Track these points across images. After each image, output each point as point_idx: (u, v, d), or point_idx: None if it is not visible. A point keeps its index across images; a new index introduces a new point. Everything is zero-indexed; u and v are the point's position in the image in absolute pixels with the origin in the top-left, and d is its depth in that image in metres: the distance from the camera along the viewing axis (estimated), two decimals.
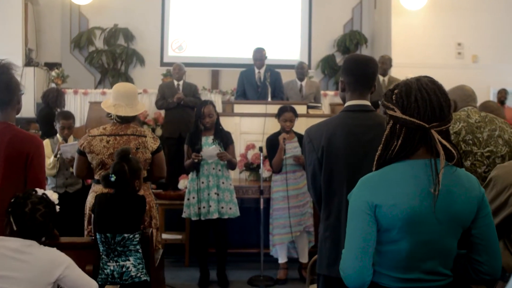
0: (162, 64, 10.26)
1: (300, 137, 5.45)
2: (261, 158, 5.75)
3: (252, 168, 6.43)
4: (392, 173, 1.88)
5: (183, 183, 6.17)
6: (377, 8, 10.98)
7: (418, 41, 9.85)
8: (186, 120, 7.38)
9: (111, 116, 3.95)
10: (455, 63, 9.94)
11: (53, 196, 2.73)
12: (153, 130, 8.40)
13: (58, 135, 5.42)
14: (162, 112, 8.57)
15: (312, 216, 5.54)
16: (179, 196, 6.05)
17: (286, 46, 10.41)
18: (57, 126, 5.43)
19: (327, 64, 11.06)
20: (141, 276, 3.32)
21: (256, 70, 7.59)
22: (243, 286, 5.45)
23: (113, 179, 3.37)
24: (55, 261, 2.55)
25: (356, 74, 2.67)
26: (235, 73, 8.07)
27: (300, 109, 6.52)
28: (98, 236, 3.36)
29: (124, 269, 3.30)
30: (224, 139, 5.35)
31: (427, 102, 1.85)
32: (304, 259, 5.60)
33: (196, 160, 5.16)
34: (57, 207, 2.74)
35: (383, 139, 1.93)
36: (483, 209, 1.92)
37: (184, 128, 7.37)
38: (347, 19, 11.40)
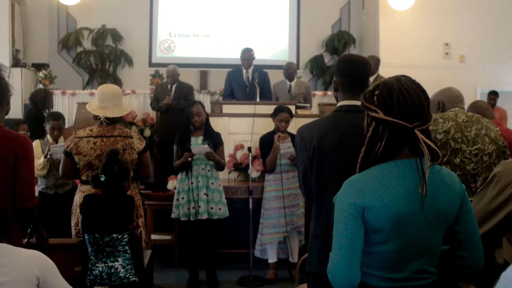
0: (151, 64, 10.23)
1: (293, 137, 5.45)
2: (250, 158, 5.75)
3: (241, 168, 6.44)
4: (379, 174, 1.88)
5: (172, 183, 6.16)
6: (365, 8, 11.02)
7: (405, 41, 9.89)
8: (178, 123, 7.37)
9: (98, 118, 3.96)
10: (442, 63, 10.00)
11: None
12: (142, 131, 8.38)
13: (48, 136, 5.39)
14: (151, 112, 8.57)
15: (303, 216, 5.55)
16: (168, 197, 6.04)
17: (275, 47, 10.42)
18: (47, 127, 5.40)
19: (316, 65, 11.09)
20: (130, 277, 3.32)
21: (244, 70, 7.59)
22: (232, 286, 5.45)
23: (102, 179, 3.37)
24: (34, 264, 2.43)
25: (348, 75, 2.68)
26: (224, 73, 8.07)
27: None
28: (86, 237, 3.35)
29: (112, 270, 3.29)
30: (214, 140, 5.35)
31: (409, 102, 1.86)
32: (294, 258, 5.61)
33: (189, 159, 5.16)
34: None
35: (365, 141, 1.93)
36: (465, 205, 1.95)
37: (175, 131, 7.37)
38: (335, 19, 11.43)
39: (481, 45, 9.96)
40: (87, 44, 10.84)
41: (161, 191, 6.34)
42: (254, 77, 7.28)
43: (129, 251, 3.36)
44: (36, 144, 5.40)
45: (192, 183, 5.23)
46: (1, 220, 2.43)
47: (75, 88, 9.62)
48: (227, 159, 6.39)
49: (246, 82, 7.54)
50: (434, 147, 1.85)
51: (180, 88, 7.78)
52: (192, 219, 5.22)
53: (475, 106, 4.36)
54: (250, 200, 5.57)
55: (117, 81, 10.46)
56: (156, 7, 10.29)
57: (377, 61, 7.77)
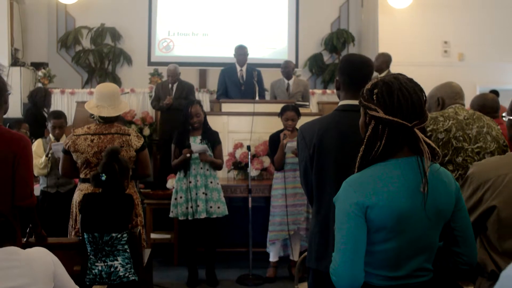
0: (150, 63, 10.22)
1: None
2: (249, 157, 5.75)
3: (240, 167, 6.43)
4: (379, 173, 1.88)
5: (171, 182, 6.16)
6: (364, 7, 11.02)
7: (404, 39, 9.89)
8: (178, 122, 7.38)
9: (94, 117, 3.98)
10: (441, 61, 10.00)
11: None
12: (141, 130, 8.38)
13: (50, 134, 5.40)
14: (150, 111, 8.58)
15: (307, 220, 5.51)
16: (168, 196, 6.03)
17: (274, 45, 10.42)
18: (49, 125, 5.41)
19: (315, 63, 11.08)
20: (129, 276, 3.32)
21: (238, 68, 7.59)
22: (232, 285, 5.45)
23: (103, 178, 3.37)
24: (44, 256, 2.46)
25: (350, 74, 2.70)
26: None
27: None
28: (85, 236, 3.36)
29: (112, 269, 3.29)
30: (212, 139, 5.35)
31: (409, 101, 1.86)
32: (295, 257, 5.61)
33: (188, 155, 5.15)
34: None
35: (365, 140, 1.93)
36: (460, 202, 1.98)
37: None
38: (334, 17, 11.43)
39: (480, 43, 9.95)
40: (86, 43, 10.83)
41: (161, 190, 6.33)
42: (253, 75, 7.28)
43: (128, 250, 3.36)
44: (38, 143, 5.42)
45: (190, 182, 5.23)
46: (7, 227, 2.43)
47: (74, 87, 9.62)
48: (226, 157, 6.39)
49: (240, 80, 7.54)
50: (434, 145, 1.86)
51: (181, 87, 7.76)
52: (190, 218, 5.23)
53: (482, 98, 4.39)
54: (250, 198, 5.57)
55: (116, 80, 10.45)
56: (155, 6, 10.28)
57: (386, 57, 7.72)
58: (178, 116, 7.43)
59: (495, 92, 9.13)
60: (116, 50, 10.75)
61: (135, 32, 10.68)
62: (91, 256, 3.34)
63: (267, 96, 8.09)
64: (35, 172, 5.33)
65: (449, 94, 3.41)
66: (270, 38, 10.41)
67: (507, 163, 2.30)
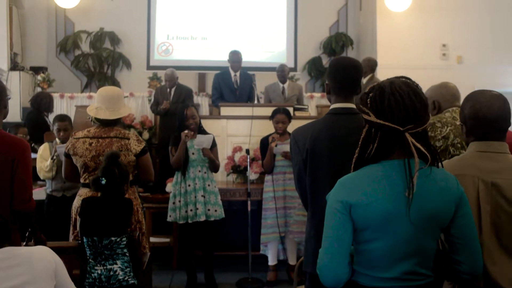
0: (149, 67, 10.23)
1: None
2: (248, 160, 5.76)
3: (239, 170, 6.44)
4: (368, 173, 1.91)
5: (170, 186, 6.16)
6: (363, 10, 11.03)
7: (403, 43, 9.90)
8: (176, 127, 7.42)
9: (90, 119, 3.95)
10: (440, 64, 10.00)
11: None
12: (140, 134, 8.39)
13: (57, 138, 5.41)
14: (149, 115, 8.60)
15: (298, 224, 5.49)
16: (167, 200, 6.02)
17: (272, 49, 10.42)
18: (54, 128, 5.43)
19: (314, 66, 11.10)
20: (129, 279, 3.32)
21: (232, 73, 7.61)
22: None
23: (103, 182, 3.37)
24: (46, 254, 2.44)
25: (340, 78, 2.71)
26: None
27: None
28: (85, 240, 3.36)
29: (111, 273, 3.29)
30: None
31: (401, 105, 1.87)
32: (292, 261, 5.62)
33: (188, 137, 5.14)
34: None
35: (359, 142, 1.96)
36: (462, 208, 1.94)
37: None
38: (333, 21, 11.45)
39: (479, 45, 9.96)
40: (85, 47, 10.85)
41: (160, 194, 6.33)
42: (252, 79, 7.30)
43: (127, 254, 3.36)
44: (45, 146, 5.44)
45: (189, 185, 5.23)
46: (5, 228, 2.42)
47: (74, 91, 9.63)
48: (225, 161, 6.40)
49: (235, 84, 7.56)
50: (424, 150, 1.85)
51: (179, 91, 7.79)
52: (190, 221, 5.22)
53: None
54: (249, 202, 5.58)
55: (115, 84, 10.44)
56: (153, 10, 10.29)
57: (370, 62, 7.74)
58: (173, 121, 7.47)
59: None
60: (115, 54, 10.76)
61: (134, 36, 10.69)
62: (90, 260, 3.34)
63: (262, 100, 8.10)
64: (41, 176, 5.34)
65: (445, 97, 3.33)
66: (268, 42, 10.42)
67: (452, 166, 2.29)
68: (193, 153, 5.26)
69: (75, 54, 10.85)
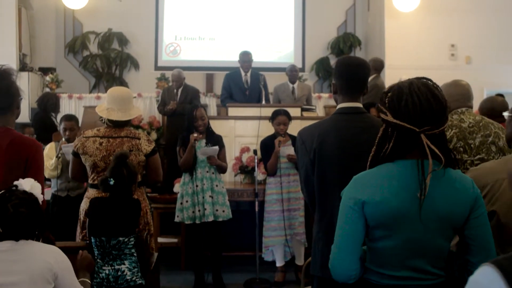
0: (157, 68, 10.24)
1: (294, 139, 5.47)
2: (256, 161, 5.76)
3: (246, 171, 6.44)
4: (382, 172, 1.92)
5: (178, 186, 6.17)
6: (371, 10, 11.01)
7: (411, 43, 9.87)
8: (183, 127, 7.42)
9: (103, 120, 3.94)
10: (448, 65, 9.96)
11: (36, 190, 2.61)
12: (148, 134, 8.39)
13: (63, 137, 5.44)
14: (157, 116, 8.61)
15: (303, 225, 5.53)
16: (175, 200, 6.03)
17: (280, 49, 10.43)
18: (60, 128, 5.46)
19: (321, 67, 11.08)
20: (136, 280, 3.33)
21: (243, 73, 7.61)
22: None
23: (112, 182, 3.38)
24: (52, 258, 2.45)
25: (346, 78, 2.70)
26: None
27: (294, 111, 6.57)
28: (93, 240, 3.37)
29: (119, 273, 3.30)
30: (216, 143, 5.33)
31: (418, 106, 1.86)
32: (299, 261, 5.61)
33: (196, 140, 5.14)
34: (38, 194, 2.61)
35: (376, 141, 1.97)
36: (477, 210, 1.93)
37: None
38: (341, 21, 11.43)
39: (488, 45, 9.91)
40: (93, 48, 10.89)
41: (168, 194, 6.35)
42: (260, 79, 7.29)
43: (135, 254, 3.36)
44: (50, 146, 5.47)
45: (197, 186, 5.23)
46: (24, 223, 2.43)
47: (82, 92, 9.67)
48: (233, 162, 6.40)
49: (245, 84, 7.56)
50: (438, 152, 1.85)
51: (185, 92, 7.81)
52: (197, 222, 5.22)
53: (491, 101, 4.25)
54: (256, 202, 5.58)
55: (123, 85, 10.47)
56: (161, 11, 10.31)
57: (376, 63, 7.70)
58: (182, 121, 7.49)
59: (501, 96, 9.12)
60: (123, 55, 10.79)
61: (142, 37, 10.72)
62: (98, 260, 3.35)
63: (271, 100, 8.10)
64: (46, 174, 5.36)
65: (453, 97, 3.19)
66: (276, 42, 10.42)
67: (504, 168, 2.26)
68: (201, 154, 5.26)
69: (83, 55, 10.89)
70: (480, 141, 3.06)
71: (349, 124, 2.60)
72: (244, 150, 6.48)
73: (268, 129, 6.22)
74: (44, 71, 9.88)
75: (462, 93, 3.25)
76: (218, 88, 10.34)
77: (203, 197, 5.21)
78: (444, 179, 1.89)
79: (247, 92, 7.51)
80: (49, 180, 5.49)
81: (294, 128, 5.65)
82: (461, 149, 3.04)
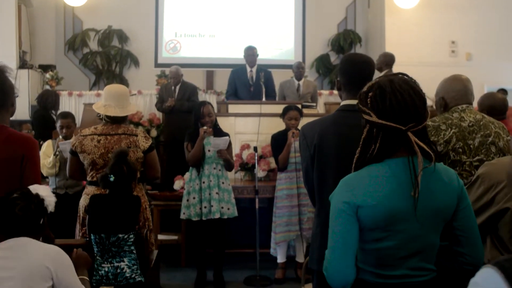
0: (157, 65, 10.24)
1: None
2: (256, 158, 5.75)
3: (247, 168, 6.43)
4: (373, 173, 1.89)
5: (179, 183, 6.17)
6: (371, 7, 11.00)
7: (411, 40, 9.87)
8: (181, 124, 7.43)
9: (100, 116, 3.96)
10: (449, 61, 9.96)
11: (44, 193, 2.64)
12: (148, 132, 8.41)
13: (60, 135, 5.43)
14: (157, 113, 8.60)
15: (310, 221, 5.49)
16: (175, 197, 6.05)
17: (281, 46, 10.42)
18: (57, 125, 5.45)
19: (322, 64, 11.08)
20: (136, 277, 3.33)
21: (248, 69, 7.59)
22: (239, 286, 5.45)
23: (112, 179, 3.38)
24: (49, 256, 2.43)
25: (351, 75, 2.69)
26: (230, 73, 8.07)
27: None
28: (92, 237, 3.37)
29: (118, 270, 3.30)
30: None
31: (402, 104, 1.85)
32: (300, 258, 5.60)
33: (206, 133, 5.12)
34: (51, 202, 2.64)
35: (361, 142, 1.95)
36: (463, 201, 1.94)
37: (179, 132, 7.39)
38: (341, 18, 11.42)
39: (488, 42, 9.91)
40: (93, 45, 10.88)
41: (168, 191, 6.34)
42: (260, 76, 7.27)
43: (135, 251, 3.36)
44: (48, 143, 5.46)
45: (204, 182, 5.22)
46: (27, 220, 2.43)
47: (82, 89, 9.66)
48: (233, 158, 6.39)
49: (250, 81, 7.54)
50: (427, 149, 1.84)
51: (183, 88, 7.81)
52: (204, 218, 5.20)
53: (491, 98, 4.21)
54: (257, 199, 5.57)
55: (123, 82, 10.48)
56: (161, 8, 10.30)
57: (386, 58, 7.68)
58: (180, 118, 7.50)
59: (504, 91, 9.10)
60: (123, 52, 10.79)
61: (142, 34, 10.71)
62: (97, 257, 3.35)
63: (277, 97, 8.08)
64: (44, 172, 5.35)
65: (451, 94, 3.12)
66: (276, 39, 10.41)
67: None
68: (209, 150, 5.23)
69: (83, 52, 10.88)
70: (480, 141, 2.99)
71: (350, 121, 2.59)
72: (245, 147, 6.47)
73: (268, 125, 6.22)
74: (44, 68, 9.86)
75: (459, 89, 3.13)
76: (218, 85, 10.35)
77: (210, 194, 5.20)
78: (434, 175, 1.88)
79: (251, 88, 7.50)
80: (47, 177, 5.48)
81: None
82: (460, 150, 2.98)
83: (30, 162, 3.09)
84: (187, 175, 6.11)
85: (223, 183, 5.28)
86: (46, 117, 7.20)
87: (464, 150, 2.97)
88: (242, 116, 6.84)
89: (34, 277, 2.37)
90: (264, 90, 7.11)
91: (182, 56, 10.21)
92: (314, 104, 7.73)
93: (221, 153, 5.19)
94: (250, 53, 7.60)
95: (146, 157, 3.92)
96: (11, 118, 3.24)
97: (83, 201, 3.90)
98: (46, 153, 5.36)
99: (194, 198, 5.23)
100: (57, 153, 5.21)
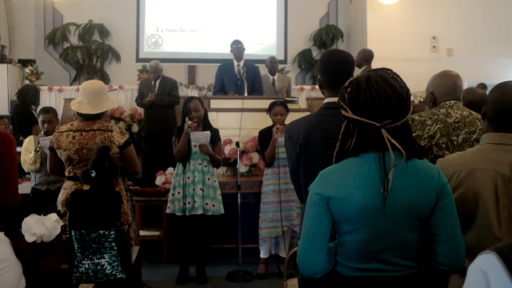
0: (138, 60, 10.17)
1: None
2: (238, 153, 5.74)
3: (229, 163, 6.42)
4: (345, 167, 1.93)
5: (160, 179, 6.15)
6: (353, 3, 11.03)
7: (393, 35, 9.92)
8: (162, 119, 7.41)
9: (72, 113, 3.97)
10: (430, 57, 10.04)
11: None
12: (130, 127, 8.35)
13: (41, 130, 5.37)
14: (139, 108, 8.55)
15: (299, 216, 5.51)
16: (157, 193, 6.03)
17: (262, 41, 10.40)
18: (39, 120, 5.39)
19: (304, 59, 11.10)
20: (117, 274, 3.30)
21: (236, 63, 7.57)
22: (221, 282, 5.44)
23: (93, 174, 3.36)
24: None
25: (330, 74, 2.71)
26: (212, 68, 8.05)
27: None
28: (73, 233, 3.33)
29: (99, 267, 3.27)
30: (212, 136, 5.29)
31: (377, 101, 1.86)
32: (283, 253, 5.61)
33: (190, 128, 5.10)
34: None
35: (340, 136, 1.99)
36: (442, 199, 1.92)
37: (160, 127, 7.39)
38: (323, 13, 11.44)
39: (469, 38, 10.00)
40: (74, 39, 10.78)
41: (149, 187, 6.31)
42: (242, 72, 7.25)
43: (115, 248, 3.34)
44: (29, 139, 5.41)
45: (188, 177, 5.20)
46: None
47: (62, 84, 9.56)
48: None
49: (237, 75, 7.51)
50: (399, 146, 1.85)
51: (163, 83, 7.79)
52: (187, 214, 5.20)
53: (471, 93, 4.24)
54: (239, 195, 5.56)
55: (104, 77, 10.41)
56: (143, 2, 10.23)
57: (365, 54, 7.71)
58: (161, 113, 7.46)
59: (484, 85, 9.18)
60: (104, 47, 10.71)
61: (123, 29, 10.63)
62: (78, 254, 3.32)
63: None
64: (25, 168, 5.30)
65: (440, 90, 3.15)
66: (258, 34, 10.39)
67: (465, 160, 2.32)
68: (195, 146, 5.23)
69: (63, 47, 10.78)
70: (464, 138, 3.01)
71: (333, 119, 2.59)
72: (227, 142, 6.45)
73: (250, 121, 6.21)
74: (24, 63, 9.76)
75: (448, 85, 3.16)
76: (200, 80, 10.33)
77: (194, 190, 5.19)
78: (407, 171, 1.88)
79: (238, 82, 7.47)
80: (28, 173, 5.43)
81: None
82: (444, 145, 3.00)
83: (6, 158, 3.06)
84: (169, 170, 6.10)
85: (208, 179, 5.26)
86: (26, 112, 7.13)
87: (447, 146, 2.99)
88: (224, 111, 6.81)
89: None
90: (246, 85, 7.09)
91: (163, 51, 10.16)
92: (297, 98, 7.73)
93: (202, 148, 5.18)
94: (236, 46, 7.57)
95: (123, 152, 3.91)
96: None
97: (62, 196, 3.90)
98: (28, 149, 5.31)
99: (179, 193, 5.23)
100: (37, 149, 5.16)
